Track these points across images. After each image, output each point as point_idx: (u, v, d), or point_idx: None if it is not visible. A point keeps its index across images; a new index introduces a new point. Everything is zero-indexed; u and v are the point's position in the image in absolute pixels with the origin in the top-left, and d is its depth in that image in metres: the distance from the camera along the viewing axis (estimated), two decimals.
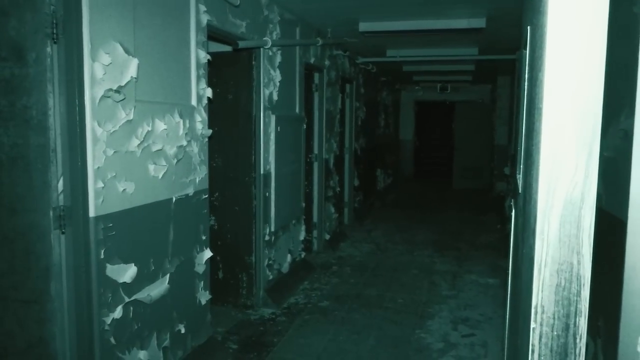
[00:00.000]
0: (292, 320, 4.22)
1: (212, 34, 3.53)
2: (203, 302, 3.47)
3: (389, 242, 7.09)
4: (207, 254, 3.47)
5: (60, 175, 2.41)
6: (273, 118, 4.52)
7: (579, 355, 0.90)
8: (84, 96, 2.34)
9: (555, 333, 0.91)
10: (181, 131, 3.09)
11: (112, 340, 2.59)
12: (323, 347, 3.72)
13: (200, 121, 3.32)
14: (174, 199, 3.07)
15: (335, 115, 6.99)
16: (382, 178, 11.04)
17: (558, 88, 0.89)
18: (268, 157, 4.52)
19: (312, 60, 5.67)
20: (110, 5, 2.45)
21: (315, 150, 6.22)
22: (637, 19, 1.40)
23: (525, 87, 1.58)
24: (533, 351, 0.93)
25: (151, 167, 2.83)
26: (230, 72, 4.34)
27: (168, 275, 3.04)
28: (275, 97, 4.57)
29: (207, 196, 3.48)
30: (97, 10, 2.36)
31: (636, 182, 0.71)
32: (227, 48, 4.05)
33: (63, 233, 2.44)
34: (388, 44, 7.00)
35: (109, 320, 2.55)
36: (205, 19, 3.33)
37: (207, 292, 3.53)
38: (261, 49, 4.25)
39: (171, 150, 3.01)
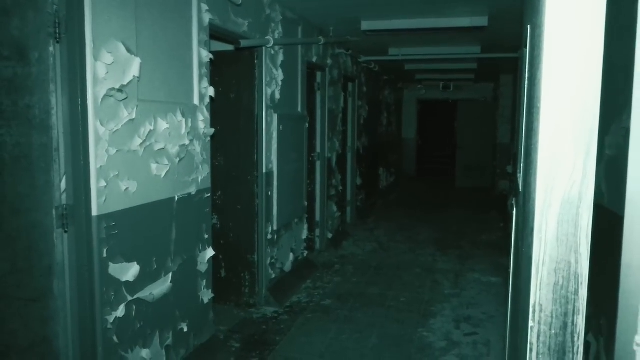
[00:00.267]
0: (294, 319, 4.23)
1: (214, 33, 3.54)
2: (206, 300, 3.49)
3: (391, 240, 7.10)
4: (210, 252, 3.49)
5: (63, 174, 2.42)
6: (275, 117, 4.53)
7: (577, 354, 0.90)
8: (86, 95, 2.35)
9: (553, 331, 0.92)
10: (183, 130, 3.10)
11: (115, 338, 2.60)
12: (325, 345, 3.73)
13: (202, 120, 3.33)
14: (176, 198, 3.08)
15: (338, 114, 6.99)
16: (384, 177, 11.04)
17: (556, 87, 0.90)
18: (270, 156, 4.53)
19: (314, 59, 5.67)
20: (112, 5, 2.46)
21: (318, 149, 6.23)
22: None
23: (526, 86, 1.58)
24: (531, 349, 0.94)
25: (153, 166, 2.84)
26: (232, 71, 4.35)
27: (170, 274, 3.05)
28: (277, 96, 4.58)
29: (209, 195, 3.49)
30: (99, 9, 2.37)
31: (632, 179, 0.72)
32: (230, 47, 4.06)
33: (66, 232, 2.45)
34: (390, 42, 6.99)
35: (111, 319, 2.57)
36: (207, 18, 3.34)
37: (210, 290, 3.54)
38: (263, 48, 4.26)
39: (173, 149, 3.02)
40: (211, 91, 3.43)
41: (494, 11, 4.86)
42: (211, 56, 3.42)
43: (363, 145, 8.64)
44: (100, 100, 2.41)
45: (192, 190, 3.26)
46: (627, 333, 0.72)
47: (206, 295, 3.49)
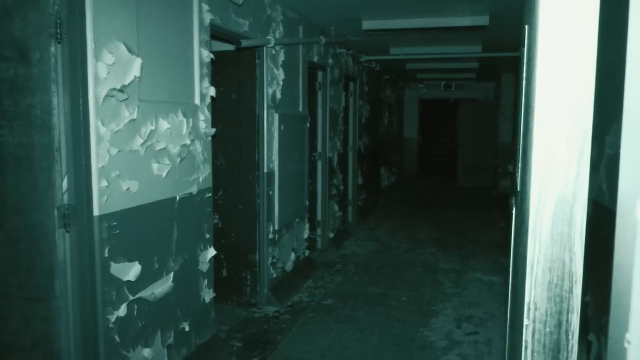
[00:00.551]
0: (296, 318, 4.24)
1: (215, 33, 3.55)
2: (207, 300, 3.50)
3: (392, 240, 7.10)
4: (211, 252, 3.50)
5: (65, 174, 2.44)
6: (276, 117, 4.53)
7: (571, 352, 0.91)
8: (87, 95, 2.37)
9: (548, 330, 0.92)
10: (184, 130, 3.11)
11: (117, 338, 2.61)
12: (327, 345, 3.73)
13: (203, 120, 3.34)
14: (177, 198, 3.09)
15: (339, 114, 7.00)
16: (386, 176, 11.05)
17: (550, 87, 0.90)
18: (271, 156, 4.54)
19: (315, 59, 5.68)
20: (113, 5, 2.47)
21: (319, 149, 6.23)
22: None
23: (523, 85, 1.59)
24: (526, 347, 0.94)
25: (155, 165, 2.85)
26: (233, 70, 4.36)
27: (172, 274, 3.06)
28: (278, 95, 4.59)
29: (210, 195, 3.50)
30: (100, 9, 2.39)
31: (624, 177, 0.72)
32: (230, 47, 4.07)
33: (67, 232, 2.47)
34: (391, 41, 7.00)
35: (113, 318, 2.58)
36: (208, 17, 3.35)
37: (211, 290, 3.55)
38: (264, 48, 4.27)
39: (175, 149, 3.03)
40: (212, 91, 3.44)
41: (495, 10, 4.86)
42: (212, 56, 3.43)
43: (364, 144, 8.64)
44: (101, 100, 2.42)
45: (193, 190, 3.27)
46: (618, 330, 0.72)
47: (207, 295, 3.50)
